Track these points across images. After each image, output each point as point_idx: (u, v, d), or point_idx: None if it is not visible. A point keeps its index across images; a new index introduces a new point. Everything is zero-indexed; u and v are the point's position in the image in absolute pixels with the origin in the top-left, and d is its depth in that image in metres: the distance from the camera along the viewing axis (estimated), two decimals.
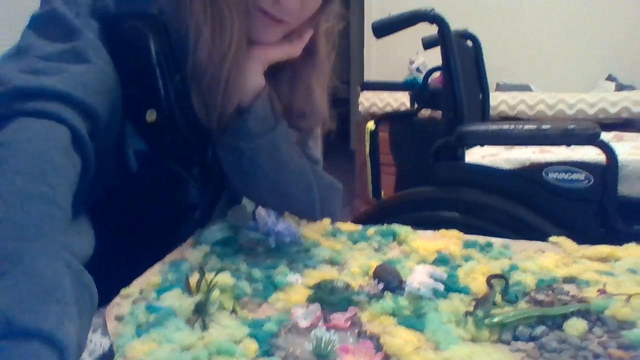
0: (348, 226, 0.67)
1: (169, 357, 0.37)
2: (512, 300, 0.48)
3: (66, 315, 0.32)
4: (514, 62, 2.82)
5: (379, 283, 0.50)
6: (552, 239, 0.61)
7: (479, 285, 0.50)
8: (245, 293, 0.48)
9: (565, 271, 0.53)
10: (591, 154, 1.07)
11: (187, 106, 0.63)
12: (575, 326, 0.42)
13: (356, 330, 0.43)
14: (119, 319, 0.44)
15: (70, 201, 0.42)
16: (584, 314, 0.44)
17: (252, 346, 0.39)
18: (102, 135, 0.54)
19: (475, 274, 0.52)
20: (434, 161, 1.15)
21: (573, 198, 1.01)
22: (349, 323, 0.43)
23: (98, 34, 0.58)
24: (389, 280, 0.50)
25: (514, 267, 0.54)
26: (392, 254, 0.59)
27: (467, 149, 1.19)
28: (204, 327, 0.42)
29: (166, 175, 0.65)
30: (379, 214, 1.19)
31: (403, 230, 0.64)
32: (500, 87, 2.65)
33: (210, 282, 0.46)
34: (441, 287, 0.49)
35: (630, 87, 2.45)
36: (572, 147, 1.18)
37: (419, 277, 0.50)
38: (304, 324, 0.43)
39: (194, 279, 0.48)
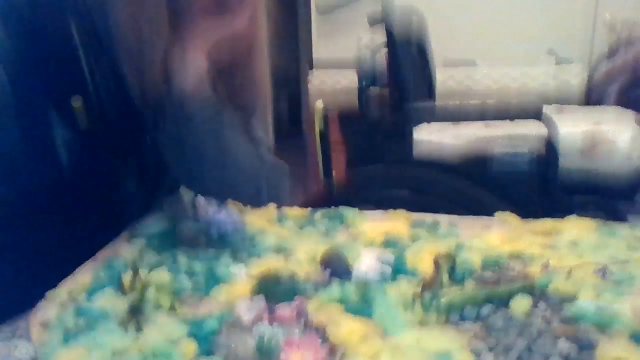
0: (295, 211, 0.65)
1: None
2: (459, 280, 0.47)
3: None
4: (460, 38, 2.86)
5: (325, 270, 0.48)
6: (498, 214, 0.62)
7: (426, 266, 0.49)
8: (184, 288, 0.46)
9: (511, 247, 0.53)
10: (534, 127, 1.09)
11: (117, 90, 0.60)
12: (521, 303, 0.42)
13: (302, 322, 0.41)
14: (45, 325, 0.40)
15: None
16: (528, 290, 0.44)
17: (191, 346, 0.37)
18: None
19: (423, 255, 0.52)
20: (383, 139, 1.14)
21: (517, 171, 1.03)
22: (294, 314, 0.41)
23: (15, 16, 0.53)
24: (336, 266, 0.49)
25: (460, 246, 0.53)
26: (340, 238, 0.58)
27: (414, 126, 1.19)
28: (139, 329, 0.39)
29: (97, 165, 0.61)
30: (328, 195, 1.18)
31: (351, 213, 0.63)
32: (447, 63, 2.68)
33: (145, 279, 0.43)
34: (389, 270, 0.48)
35: (568, 61, 2.53)
36: (516, 121, 1.20)
37: (366, 261, 0.49)
38: (247, 318, 0.41)
39: (128, 276, 0.45)
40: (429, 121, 1.08)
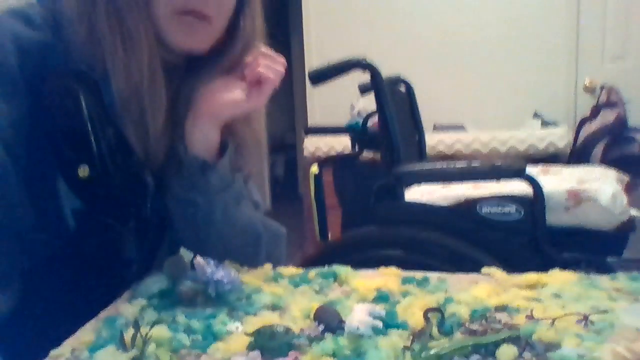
0: (289, 270, 0.68)
1: None
2: (448, 332, 0.49)
3: None
4: (448, 104, 2.97)
5: (319, 325, 0.50)
6: (485, 270, 0.64)
7: (416, 319, 0.51)
8: (183, 345, 0.47)
9: (497, 300, 0.55)
10: (520, 187, 1.14)
11: (122, 160, 0.63)
12: (507, 352, 0.44)
13: None
14: None
15: None
16: (514, 339, 0.46)
17: None
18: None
19: (413, 309, 0.53)
20: (375, 201, 1.18)
21: (506, 230, 1.06)
22: None
23: (25, 93, 0.57)
24: (329, 321, 0.50)
25: (449, 300, 0.55)
26: (333, 295, 0.60)
27: (405, 188, 1.23)
28: None
29: (101, 230, 0.64)
30: (324, 256, 1.20)
31: (343, 270, 0.65)
32: (436, 128, 2.78)
33: (146, 336, 0.45)
34: (380, 324, 0.50)
35: (554, 124, 2.63)
36: (503, 182, 1.24)
37: (358, 316, 0.50)
38: None
39: (129, 334, 0.46)
40: (418, 183, 1.12)
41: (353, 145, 1.93)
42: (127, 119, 0.63)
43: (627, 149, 1.85)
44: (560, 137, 2.42)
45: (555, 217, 1.09)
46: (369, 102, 2.94)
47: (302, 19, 3.29)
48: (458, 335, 0.49)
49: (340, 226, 1.69)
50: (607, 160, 1.73)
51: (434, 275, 0.64)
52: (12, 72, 0.57)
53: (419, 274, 0.64)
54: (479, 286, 0.59)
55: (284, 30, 5.10)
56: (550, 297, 0.55)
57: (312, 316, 0.52)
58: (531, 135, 2.46)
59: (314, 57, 3.26)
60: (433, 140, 2.50)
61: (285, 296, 0.59)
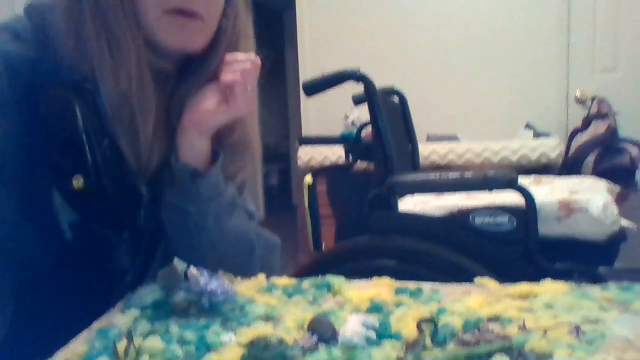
0: (283, 280, 0.68)
1: None
2: (441, 342, 0.49)
3: None
4: (441, 115, 3.00)
5: (313, 335, 0.50)
6: (477, 280, 0.64)
7: (410, 330, 0.51)
8: (176, 356, 0.47)
9: (490, 310, 0.55)
10: (513, 197, 1.14)
11: (116, 170, 0.63)
12: None
13: None
14: None
15: None
16: (506, 350, 0.46)
17: None
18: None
19: (407, 319, 0.54)
20: (369, 211, 1.18)
21: (498, 240, 1.07)
22: None
23: (17, 110, 0.57)
24: (322, 331, 0.50)
25: (442, 310, 0.56)
26: (327, 305, 0.60)
27: (399, 198, 1.24)
28: None
29: (95, 240, 0.64)
30: (317, 266, 1.20)
31: (337, 281, 0.65)
32: (430, 138, 2.80)
33: (139, 346, 0.45)
34: (373, 334, 0.50)
35: (545, 135, 2.65)
36: (495, 192, 1.25)
37: (352, 326, 0.50)
38: None
39: (122, 345, 0.46)
40: (411, 193, 1.13)
41: (347, 156, 1.94)
42: (119, 127, 0.63)
43: (617, 160, 1.87)
44: (552, 147, 2.44)
45: (547, 228, 1.09)
46: (362, 113, 2.96)
47: (297, 31, 3.32)
48: (451, 346, 0.49)
49: (334, 236, 1.69)
50: (599, 171, 1.75)
51: (427, 286, 0.64)
52: (1, 91, 0.57)
53: (412, 285, 0.65)
54: (471, 296, 0.60)
55: (279, 42, 5.13)
56: (542, 307, 0.55)
57: (305, 327, 0.52)
58: (523, 146, 2.48)
59: (308, 68, 3.28)
60: (426, 151, 2.52)
61: (278, 307, 0.59)
